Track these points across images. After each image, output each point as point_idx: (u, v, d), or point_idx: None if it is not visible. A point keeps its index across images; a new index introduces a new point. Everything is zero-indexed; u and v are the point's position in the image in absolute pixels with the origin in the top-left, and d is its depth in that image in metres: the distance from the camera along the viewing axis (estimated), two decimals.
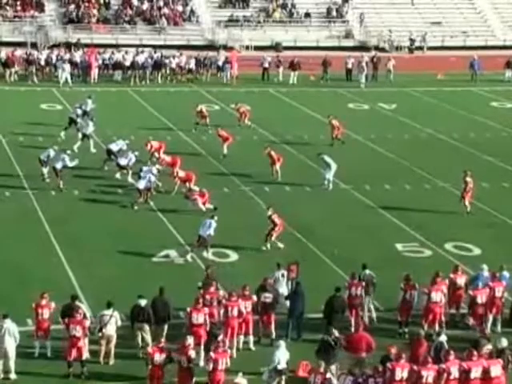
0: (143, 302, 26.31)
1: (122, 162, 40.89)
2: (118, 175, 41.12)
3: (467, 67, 68.26)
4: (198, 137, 49.36)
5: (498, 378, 23.51)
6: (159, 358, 23.63)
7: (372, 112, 57.61)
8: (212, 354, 23.42)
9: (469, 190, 38.12)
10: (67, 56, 65.59)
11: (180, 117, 52.32)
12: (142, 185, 37.97)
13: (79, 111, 48.34)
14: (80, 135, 46.19)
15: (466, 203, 37.97)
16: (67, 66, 63.96)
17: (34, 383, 24.42)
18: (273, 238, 34.23)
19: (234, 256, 33.66)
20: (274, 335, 26.97)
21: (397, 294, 28.13)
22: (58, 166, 39.55)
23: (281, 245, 34.15)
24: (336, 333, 24.96)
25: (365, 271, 28.86)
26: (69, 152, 40.48)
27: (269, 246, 34.13)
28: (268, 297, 27.21)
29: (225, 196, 39.74)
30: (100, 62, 65.14)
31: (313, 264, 31.66)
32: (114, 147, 42.17)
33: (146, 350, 25.44)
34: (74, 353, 24.76)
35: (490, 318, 28.04)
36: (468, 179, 38.09)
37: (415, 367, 23.22)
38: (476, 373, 23.42)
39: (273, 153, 42.12)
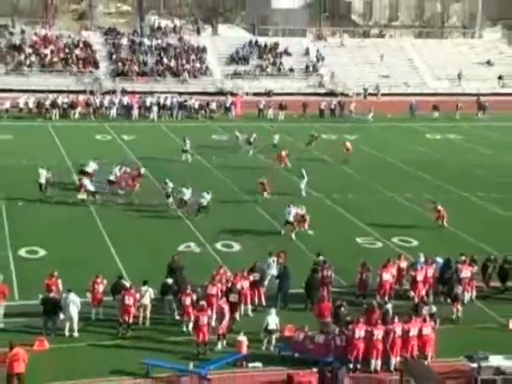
0: (170, 281, 26.56)
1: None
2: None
3: (407, 108, 68.34)
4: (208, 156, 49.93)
5: (427, 335, 23.82)
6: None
7: (339, 141, 57.42)
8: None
9: (442, 216, 36.66)
10: (115, 100, 66.01)
11: (199, 141, 52.42)
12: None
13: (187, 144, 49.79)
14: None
15: (444, 223, 36.73)
16: (115, 107, 64.45)
17: (91, 340, 24.51)
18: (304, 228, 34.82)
19: (237, 247, 33.72)
20: (264, 304, 26.97)
21: (356, 275, 28.40)
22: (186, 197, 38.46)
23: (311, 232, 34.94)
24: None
25: (319, 257, 29.16)
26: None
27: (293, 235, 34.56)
28: (256, 276, 27.37)
29: (228, 203, 39.88)
30: (139, 104, 65.11)
31: (295, 253, 31.60)
32: None
33: (173, 316, 25.85)
34: (125, 317, 25.03)
35: (424, 291, 28.15)
36: (439, 208, 36.93)
37: (369, 328, 23.49)
38: (414, 332, 23.68)
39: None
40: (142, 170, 42.29)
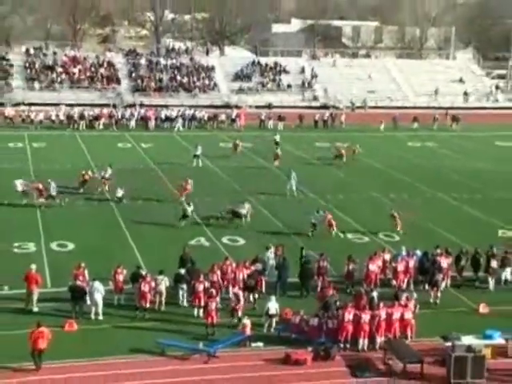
0: (182, 271, 26.54)
1: None
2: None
3: (391, 120, 68.02)
4: (217, 162, 49.71)
5: (409, 319, 23.84)
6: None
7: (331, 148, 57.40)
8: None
9: (396, 224, 35.23)
10: (135, 112, 65.92)
11: (209, 148, 52.08)
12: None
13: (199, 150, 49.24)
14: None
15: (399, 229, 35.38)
16: (134, 119, 64.31)
17: (113, 322, 24.56)
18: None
19: (241, 241, 33.63)
20: (264, 291, 26.88)
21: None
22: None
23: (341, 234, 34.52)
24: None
25: (303, 251, 29.19)
26: None
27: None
28: (258, 266, 27.32)
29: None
30: (155, 116, 64.72)
31: (291, 247, 31.48)
32: None
33: (182, 303, 25.86)
34: (142, 302, 25.02)
35: (405, 280, 28.18)
36: (395, 214, 35.61)
37: (358, 312, 23.47)
38: (396, 315, 23.68)
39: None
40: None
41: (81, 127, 62.15)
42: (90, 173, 41.45)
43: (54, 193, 38.13)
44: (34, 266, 26.12)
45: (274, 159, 49.15)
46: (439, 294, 26.99)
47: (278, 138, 55.94)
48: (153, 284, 25.31)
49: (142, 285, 25.09)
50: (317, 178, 45.71)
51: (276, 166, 48.13)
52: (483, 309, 26.46)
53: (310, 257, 29.21)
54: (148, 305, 25.09)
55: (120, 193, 39.00)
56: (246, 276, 26.51)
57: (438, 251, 28.79)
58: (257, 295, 26.37)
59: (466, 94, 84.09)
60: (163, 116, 64.72)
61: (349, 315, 23.15)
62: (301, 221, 35.48)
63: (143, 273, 26.12)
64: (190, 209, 35.66)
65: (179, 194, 39.38)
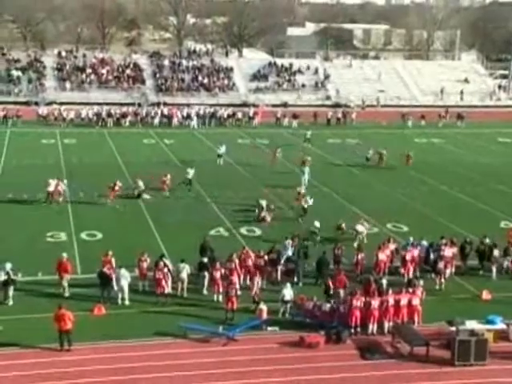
0: (205, 259, 26.56)
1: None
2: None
3: (400, 118, 67.82)
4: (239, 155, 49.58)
5: (416, 305, 23.73)
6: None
7: (342, 144, 57.23)
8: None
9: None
10: (159, 111, 65.96)
11: (228, 145, 51.72)
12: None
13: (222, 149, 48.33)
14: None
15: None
16: (158, 117, 64.39)
17: (139, 307, 24.62)
18: None
19: (258, 231, 33.54)
20: (279, 279, 26.78)
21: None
22: None
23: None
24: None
25: (306, 242, 28.91)
26: None
27: None
28: (272, 255, 27.24)
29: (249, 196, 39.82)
30: (179, 114, 64.82)
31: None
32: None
33: (202, 291, 25.79)
34: (158, 289, 25.06)
35: (412, 269, 27.85)
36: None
37: (367, 298, 23.40)
38: (404, 302, 23.58)
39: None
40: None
41: (108, 125, 62.27)
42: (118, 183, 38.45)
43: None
44: (65, 255, 26.23)
45: (301, 163, 43.63)
46: (443, 281, 26.85)
47: (309, 134, 55.41)
48: (165, 270, 25.16)
49: (156, 273, 25.11)
50: (329, 175, 45.29)
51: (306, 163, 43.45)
52: (486, 295, 26.32)
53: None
54: (167, 291, 25.07)
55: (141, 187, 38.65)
56: (262, 264, 26.46)
57: (444, 241, 28.60)
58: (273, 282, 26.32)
59: (462, 92, 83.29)
60: (185, 114, 64.70)
61: (357, 302, 23.04)
62: (313, 214, 35.17)
63: (162, 262, 25.85)
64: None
65: (162, 187, 38.93)
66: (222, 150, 48.36)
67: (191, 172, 40.50)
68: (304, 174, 41.63)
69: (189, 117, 64.32)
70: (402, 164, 48.51)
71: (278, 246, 28.18)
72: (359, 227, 31.98)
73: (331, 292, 24.45)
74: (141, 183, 38.82)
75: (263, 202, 35.67)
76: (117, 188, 37.71)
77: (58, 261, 25.72)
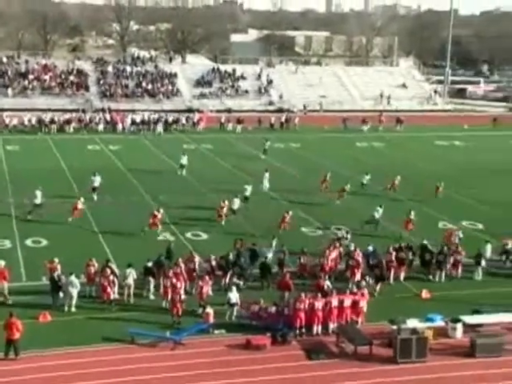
0: (149, 264, 26.27)
1: None
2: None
3: (341, 122, 68.59)
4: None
5: (360, 306, 24.00)
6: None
7: (285, 149, 57.45)
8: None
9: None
10: (103, 117, 65.28)
11: (172, 149, 51.57)
12: None
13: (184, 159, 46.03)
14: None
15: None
16: (102, 123, 63.74)
17: (87, 313, 24.31)
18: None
19: (204, 236, 33.39)
20: (227, 283, 26.69)
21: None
22: None
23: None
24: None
25: (254, 245, 28.99)
26: None
27: None
28: (221, 261, 27.05)
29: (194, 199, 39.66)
30: (128, 120, 64.14)
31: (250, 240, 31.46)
32: None
33: (148, 295, 25.63)
34: (105, 295, 24.82)
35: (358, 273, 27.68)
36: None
37: (311, 300, 23.51)
38: (347, 303, 23.82)
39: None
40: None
41: (52, 131, 61.35)
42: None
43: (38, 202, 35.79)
44: (2, 262, 25.55)
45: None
46: (386, 284, 27.13)
47: (267, 145, 53.72)
48: (111, 277, 24.91)
49: (102, 279, 24.85)
50: (281, 178, 44.90)
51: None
52: (425, 294, 26.81)
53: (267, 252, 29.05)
54: (113, 297, 24.83)
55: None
56: (209, 269, 26.48)
57: (391, 248, 28.54)
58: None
59: (381, 96, 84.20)
60: (129, 120, 64.25)
61: (300, 304, 23.14)
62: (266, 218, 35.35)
63: (112, 266, 25.78)
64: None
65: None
66: (184, 160, 46.09)
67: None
68: (263, 179, 41.75)
69: (134, 123, 63.97)
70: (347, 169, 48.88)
71: (230, 252, 27.91)
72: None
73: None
74: (39, 195, 35.84)
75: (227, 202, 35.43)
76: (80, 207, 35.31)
77: None
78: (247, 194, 38.50)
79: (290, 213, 34.45)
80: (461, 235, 31.77)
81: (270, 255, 28.36)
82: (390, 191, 41.80)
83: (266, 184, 41.89)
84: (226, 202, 35.38)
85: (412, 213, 34.45)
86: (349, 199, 40.18)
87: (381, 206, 35.23)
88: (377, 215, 34.76)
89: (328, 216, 36.86)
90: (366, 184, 43.24)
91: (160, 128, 62.98)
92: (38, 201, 35.69)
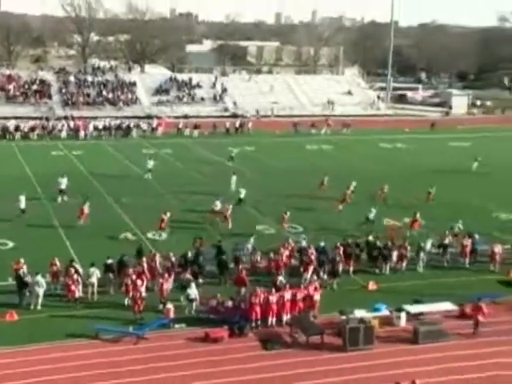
0: (109, 261, 25.96)
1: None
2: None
3: (292, 127, 68.86)
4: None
5: (314, 300, 24.07)
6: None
7: (241, 152, 56.57)
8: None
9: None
10: (66, 124, 64.41)
11: (134, 154, 51.29)
12: None
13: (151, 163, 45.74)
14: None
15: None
16: (65, 129, 62.87)
17: (51, 311, 24.00)
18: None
19: (164, 235, 33.00)
20: (187, 279, 26.17)
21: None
22: None
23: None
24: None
25: (220, 243, 28.97)
26: None
27: None
28: (181, 259, 26.97)
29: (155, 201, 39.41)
30: (90, 127, 63.31)
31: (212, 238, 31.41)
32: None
33: (109, 291, 25.38)
34: (69, 294, 24.62)
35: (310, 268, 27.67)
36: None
37: (266, 294, 23.56)
38: (300, 296, 23.96)
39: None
40: None
41: (16, 138, 60.31)
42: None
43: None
44: None
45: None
46: (337, 280, 27.13)
47: (234, 152, 53.10)
48: (75, 277, 24.62)
49: (67, 278, 24.59)
50: (250, 181, 44.51)
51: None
52: (372, 286, 27.12)
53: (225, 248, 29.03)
54: (78, 295, 24.57)
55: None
56: (169, 266, 26.33)
57: (338, 244, 28.61)
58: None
59: (329, 102, 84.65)
60: (92, 127, 63.50)
61: (256, 299, 23.18)
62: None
63: (76, 265, 25.44)
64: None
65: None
66: (151, 164, 45.65)
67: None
68: (231, 182, 41.79)
69: (96, 129, 63.27)
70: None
71: (189, 250, 27.69)
72: None
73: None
74: (23, 200, 35.20)
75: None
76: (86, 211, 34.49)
77: None
78: (242, 196, 38.31)
79: (288, 213, 34.70)
80: (461, 227, 32.43)
81: (249, 246, 28.43)
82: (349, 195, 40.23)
83: (234, 186, 41.67)
84: (227, 206, 35.03)
85: (417, 214, 34.53)
86: (308, 202, 40.06)
87: (375, 208, 35.51)
88: (371, 216, 34.80)
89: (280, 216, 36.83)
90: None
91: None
92: (23, 205, 35.08)
